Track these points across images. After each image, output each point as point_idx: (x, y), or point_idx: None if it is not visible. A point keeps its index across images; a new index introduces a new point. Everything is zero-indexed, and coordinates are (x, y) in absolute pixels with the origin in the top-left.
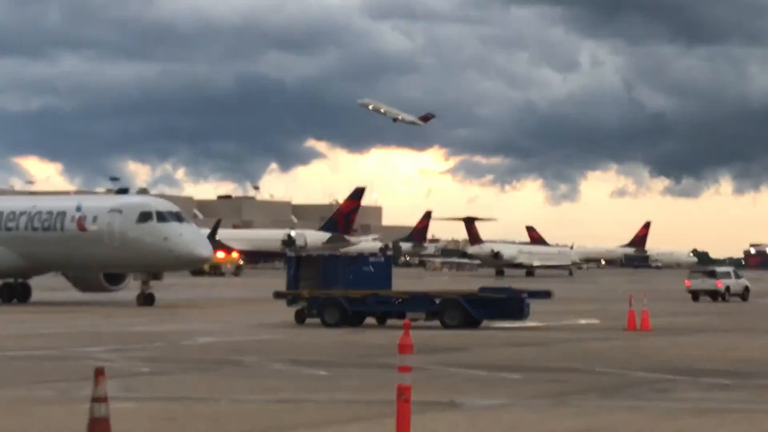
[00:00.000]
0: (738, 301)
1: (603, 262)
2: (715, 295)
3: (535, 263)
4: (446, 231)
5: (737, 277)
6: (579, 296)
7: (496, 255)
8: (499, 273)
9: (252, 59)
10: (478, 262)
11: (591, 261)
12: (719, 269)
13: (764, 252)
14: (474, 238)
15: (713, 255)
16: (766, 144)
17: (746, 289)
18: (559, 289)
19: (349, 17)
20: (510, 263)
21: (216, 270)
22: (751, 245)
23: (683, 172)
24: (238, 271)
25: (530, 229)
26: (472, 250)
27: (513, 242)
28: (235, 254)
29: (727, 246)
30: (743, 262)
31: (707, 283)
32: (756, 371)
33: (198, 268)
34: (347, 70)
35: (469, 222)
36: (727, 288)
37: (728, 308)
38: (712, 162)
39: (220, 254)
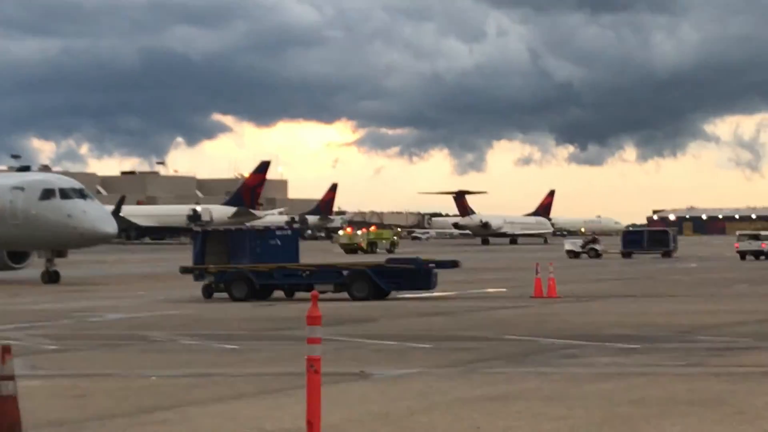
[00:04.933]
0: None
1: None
2: (758, 254)
3: (518, 232)
4: (352, 203)
5: None
6: (486, 265)
7: (485, 225)
8: (485, 242)
9: (157, 34)
10: (468, 232)
11: None
12: (763, 233)
13: (667, 218)
14: (464, 210)
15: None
16: (670, 111)
17: None
18: (467, 259)
19: None
20: (496, 233)
21: (373, 246)
22: (654, 212)
23: (588, 140)
24: (392, 247)
25: (458, 198)
26: (462, 221)
27: (419, 213)
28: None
29: (630, 212)
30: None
31: (753, 245)
32: (661, 335)
33: (350, 246)
34: (253, 43)
35: (460, 195)
36: None
37: (633, 274)
38: (617, 129)
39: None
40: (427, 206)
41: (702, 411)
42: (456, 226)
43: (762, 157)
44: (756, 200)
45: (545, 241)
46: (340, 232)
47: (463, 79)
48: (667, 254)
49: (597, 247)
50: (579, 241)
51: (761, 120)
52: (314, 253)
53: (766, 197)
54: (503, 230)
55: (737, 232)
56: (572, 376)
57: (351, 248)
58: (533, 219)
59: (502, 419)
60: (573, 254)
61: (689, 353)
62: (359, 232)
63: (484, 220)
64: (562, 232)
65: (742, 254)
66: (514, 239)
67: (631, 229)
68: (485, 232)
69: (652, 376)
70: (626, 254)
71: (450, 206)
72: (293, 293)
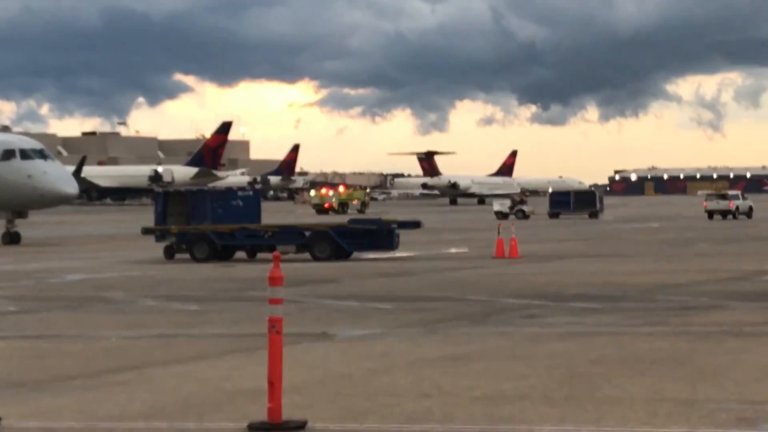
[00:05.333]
0: (744, 218)
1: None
2: (726, 213)
3: (485, 192)
4: (314, 164)
5: (744, 199)
6: (449, 226)
7: (454, 185)
8: (453, 202)
9: None
10: (436, 192)
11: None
12: (730, 193)
13: (628, 178)
14: (433, 170)
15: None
16: (632, 71)
17: (750, 208)
18: (429, 220)
19: None
20: (464, 193)
21: (344, 207)
22: (616, 171)
23: (550, 100)
24: (363, 208)
25: (422, 159)
26: (431, 181)
27: (381, 174)
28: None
29: (592, 172)
30: (608, 189)
31: (721, 204)
32: (623, 295)
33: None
34: (215, 3)
35: (429, 156)
36: (737, 208)
37: (594, 234)
38: (579, 89)
39: (341, 189)
40: (389, 167)
41: (662, 370)
42: (424, 186)
43: (723, 117)
44: (717, 160)
45: None
46: (312, 193)
47: (425, 39)
48: (593, 215)
49: (525, 208)
50: (507, 202)
51: (722, 79)
52: (276, 214)
53: (727, 157)
54: (471, 190)
55: (699, 192)
56: (533, 335)
57: (322, 208)
58: (500, 179)
59: (463, 379)
60: (501, 215)
61: (650, 313)
62: (331, 193)
63: (452, 181)
64: (525, 193)
65: (710, 213)
66: (482, 199)
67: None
68: (453, 193)
69: (613, 335)
70: (553, 215)
71: (413, 167)
72: (255, 254)
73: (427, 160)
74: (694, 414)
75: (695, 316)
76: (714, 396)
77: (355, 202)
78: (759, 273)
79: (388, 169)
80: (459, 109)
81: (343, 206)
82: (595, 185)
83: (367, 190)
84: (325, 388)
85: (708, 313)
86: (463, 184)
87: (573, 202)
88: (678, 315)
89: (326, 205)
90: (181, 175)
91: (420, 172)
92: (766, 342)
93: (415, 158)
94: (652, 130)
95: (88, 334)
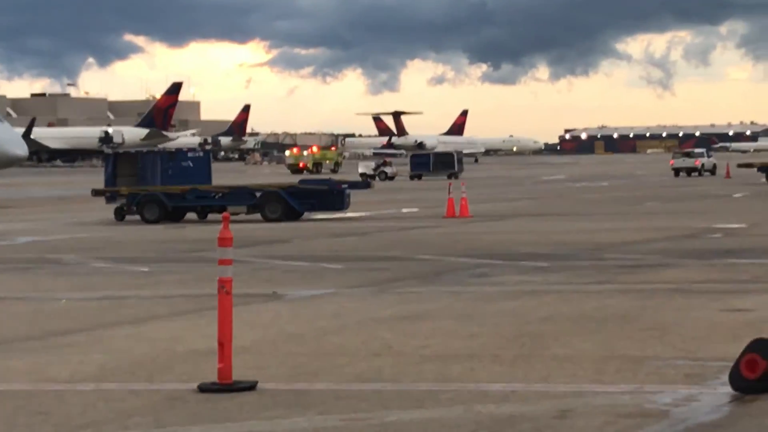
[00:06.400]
0: (708, 174)
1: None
2: (691, 171)
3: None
4: (265, 124)
5: (708, 156)
6: (399, 186)
7: (420, 144)
8: None
9: None
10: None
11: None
12: (696, 150)
13: (578, 137)
14: (400, 130)
15: None
16: (583, 29)
17: (714, 166)
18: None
19: None
20: (430, 152)
21: (317, 167)
22: (566, 130)
23: (501, 59)
24: (336, 167)
25: (377, 120)
26: (398, 140)
27: (332, 134)
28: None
29: (543, 131)
30: (558, 147)
31: (687, 162)
32: (572, 253)
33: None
34: None
35: (397, 116)
36: (702, 165)
37: (544, 193)
38: (530, 48)
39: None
40: (340, 127)
41: (611, 328)
42: (391, 145)
43: (673, 76)
44: (667, 118)
45: (476, 161)
46: (287, 153)
47: None
48: (452, 176)
49: (387, 170)
50: (372, 164)
51: (672, 38)
52: (227, 175)
53: (677, 115)
54: (437, 150)
55: (649, 150)
56: (483, 294)
57: (297, 168)
58: (464, 139)
59: (414, 338)
60: (366, 177)
61: (599, 271)
62: (305, 153)
63: (418, 140)
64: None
65: (677, 171)
66: None
67: (417, 153)
68: (420, 152)
69: (562, 293)
70: (414, 176)
71: (364, 127)
72: (206, 215)
73: (395, 120)
74: (642, 371)
75: (644, 273)
76: (662, 353)
77: (328, 162)
78: (708, 231)
79: (339, 129)
80: (410, 68)
81: (317, 166)
82: (546, 144)
83: (340, 151)
84: (276, 348)
85: (657, 271)
86: (429, 143)
87: (432, 163)
88: (627, 273)
89: (301, 165)
90: (132, 136)
91: (373, 132)
92: (714, 299)
93: (368, 118)
94: (602, 89)
95: (38, 296)
